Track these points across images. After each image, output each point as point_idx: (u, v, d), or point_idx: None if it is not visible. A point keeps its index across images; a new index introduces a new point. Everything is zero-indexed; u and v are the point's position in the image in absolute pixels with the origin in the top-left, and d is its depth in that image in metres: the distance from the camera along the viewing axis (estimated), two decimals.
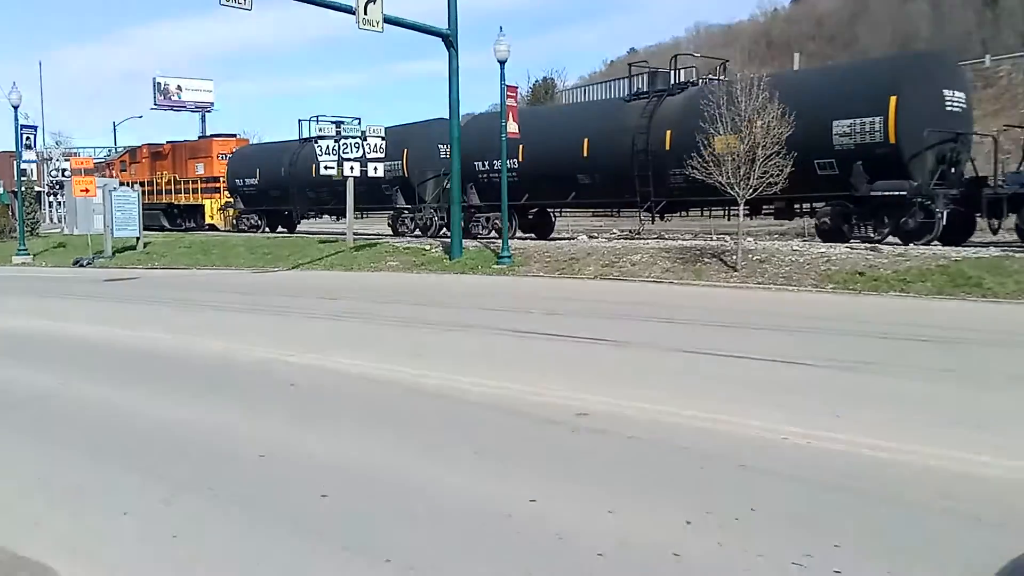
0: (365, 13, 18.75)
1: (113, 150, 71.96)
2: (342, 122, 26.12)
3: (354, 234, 25.08)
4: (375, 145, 23.28)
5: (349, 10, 18.86)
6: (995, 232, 16.98)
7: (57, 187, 57.58)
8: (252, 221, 34.44)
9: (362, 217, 31.99)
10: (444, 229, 24.93)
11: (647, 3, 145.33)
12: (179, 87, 74.65)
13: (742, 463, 4.93)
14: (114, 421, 6.53)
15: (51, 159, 60.92)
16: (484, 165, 23.84)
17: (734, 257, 15.87)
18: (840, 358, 8.16)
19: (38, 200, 49.09)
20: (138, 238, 28.28)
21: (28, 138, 30.51)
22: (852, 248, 15.90)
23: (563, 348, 9.36)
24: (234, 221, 35.86)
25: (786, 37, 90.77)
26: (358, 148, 23.32)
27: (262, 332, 11.15)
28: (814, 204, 18.87)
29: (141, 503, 4.57)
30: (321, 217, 35.37)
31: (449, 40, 20.41)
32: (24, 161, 30.43)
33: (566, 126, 23.33)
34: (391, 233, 28.56)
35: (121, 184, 39.32)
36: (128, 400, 7.17)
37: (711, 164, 15.52)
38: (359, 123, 26.02)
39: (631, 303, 13.47)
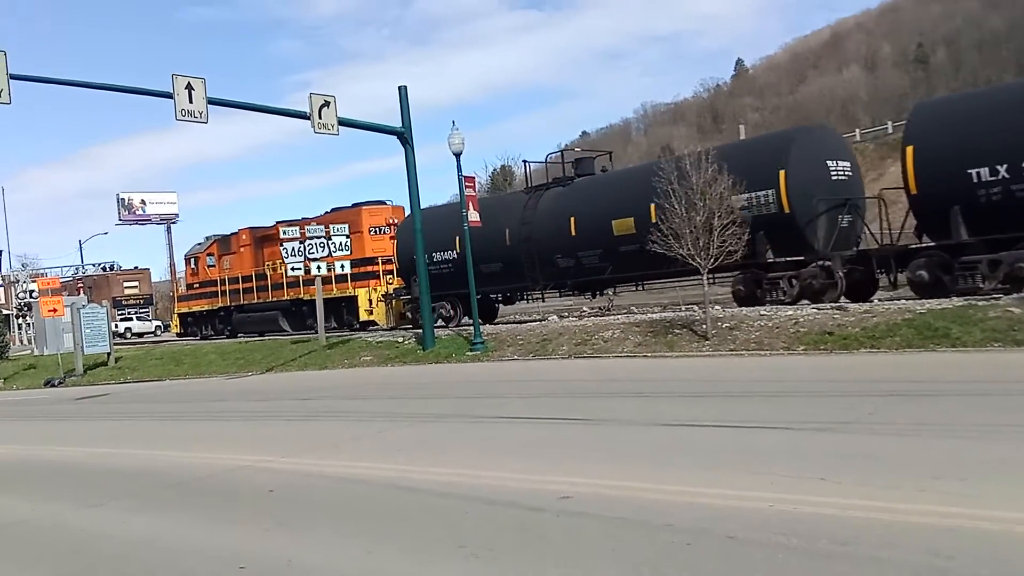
0: (320, 117, 19.26)
1: (80, 268, 71.63)
2: None
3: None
4: (340, 244, 23.44)
5: (304, 116, 19.28)
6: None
7: (25, 309, 57.07)
8: (443, 311, 24.11)
9: (636, 288, 23.27)
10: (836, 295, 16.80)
11: (595, 88, 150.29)
12: (143, 201, 75.18)
13: (730, 535, 4.87)
14: (85, 546, 6.31)
15: (18, 281, 60.57)
16: (992, 173, 14.52)
17: (704, 326, 15.97)
18: (818, 420, 8.17)
19: (7, 323, 48.50)
20: (109, 353, 28.06)
21: None
22: (819, 309, 16.08)
23: (541, 431, 9.28)
24: (407, 313, 26.17)
25: (731, 109, 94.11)
26: (323, 248, 23.45)
27: (236, 439, 10.97)
28: None
29: None
30: (558, 295, 25.21)
31: (404, 137, 20.83)
32: None
33: None
34: (736, 304, 18.62)
35: (210, 282, 35.88)
36: (98, 522, 6.94)
37: None
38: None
39: (605, 380, 13.45)
